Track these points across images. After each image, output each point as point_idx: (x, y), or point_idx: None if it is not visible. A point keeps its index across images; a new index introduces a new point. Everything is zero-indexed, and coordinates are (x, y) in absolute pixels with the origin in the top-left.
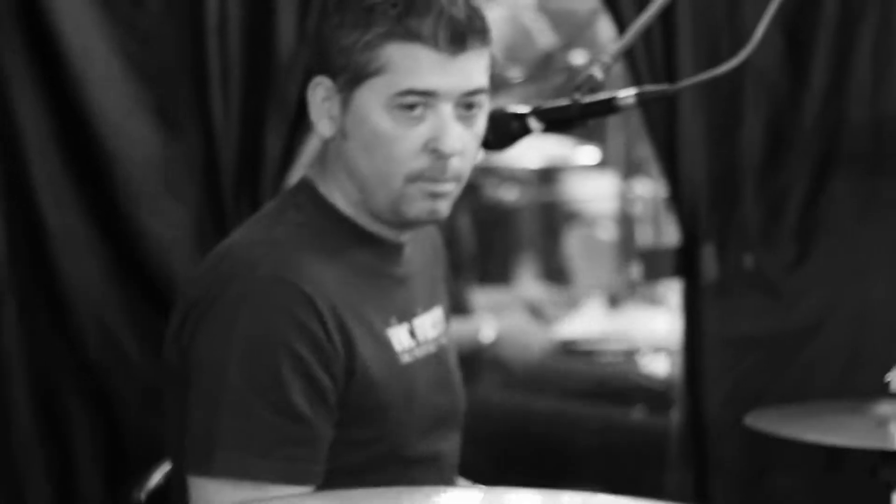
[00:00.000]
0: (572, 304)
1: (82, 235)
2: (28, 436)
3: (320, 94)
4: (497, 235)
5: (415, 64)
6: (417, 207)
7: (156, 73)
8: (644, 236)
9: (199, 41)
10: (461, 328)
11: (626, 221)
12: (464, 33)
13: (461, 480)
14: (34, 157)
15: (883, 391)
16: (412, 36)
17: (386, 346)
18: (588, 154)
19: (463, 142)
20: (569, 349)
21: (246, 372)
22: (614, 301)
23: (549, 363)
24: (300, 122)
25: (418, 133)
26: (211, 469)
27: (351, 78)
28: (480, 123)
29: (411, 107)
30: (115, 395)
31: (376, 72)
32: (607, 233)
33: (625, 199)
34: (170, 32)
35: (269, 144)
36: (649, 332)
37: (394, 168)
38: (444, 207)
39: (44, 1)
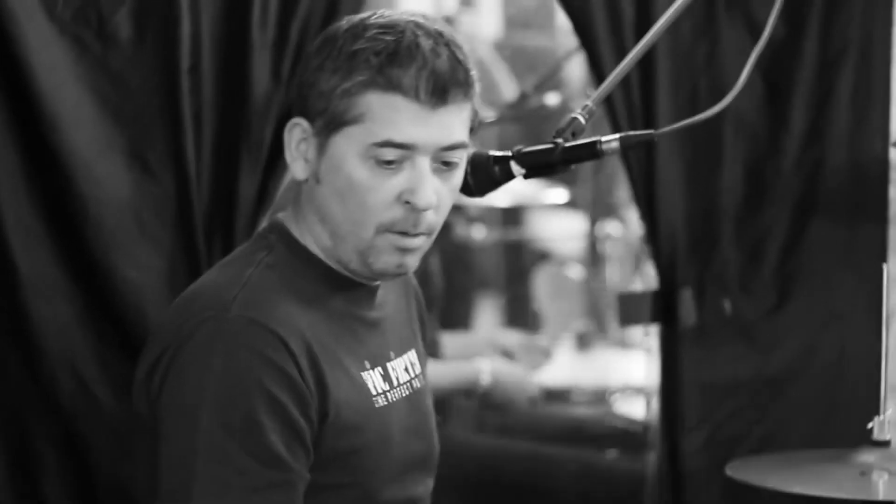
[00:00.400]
0: (546, 355)
1: (54, 279)
2: None
3: (297, 136)
4: (462, 276)
5: (394, 115)
6: (384, 260)
7: (128, 114)
8: (613, 277)
9: (172, 83)
10: (461, 369)
11: (595, 262)
12: (446, 87)
13: None
14: (4, 199)
15: (864, 439)
16: (393, 86)
17: (360, 389)
18: (556, 194)
19: (438, 196)
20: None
21: (220, 416)
22: (583, 342)
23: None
24: (274, 165)
25: (393, 184)
26: None
27: (328, 123)
28: (458, 177)
29: (389, 158)
30: (86, 441)
31: (354, 120)
32: (576, 273)
33: (594, 240)
34: (142, 74)
35: (242, 187)
36: (621, 373)
37: (366, 217)
38: (411, 262)
39: (14, 40)
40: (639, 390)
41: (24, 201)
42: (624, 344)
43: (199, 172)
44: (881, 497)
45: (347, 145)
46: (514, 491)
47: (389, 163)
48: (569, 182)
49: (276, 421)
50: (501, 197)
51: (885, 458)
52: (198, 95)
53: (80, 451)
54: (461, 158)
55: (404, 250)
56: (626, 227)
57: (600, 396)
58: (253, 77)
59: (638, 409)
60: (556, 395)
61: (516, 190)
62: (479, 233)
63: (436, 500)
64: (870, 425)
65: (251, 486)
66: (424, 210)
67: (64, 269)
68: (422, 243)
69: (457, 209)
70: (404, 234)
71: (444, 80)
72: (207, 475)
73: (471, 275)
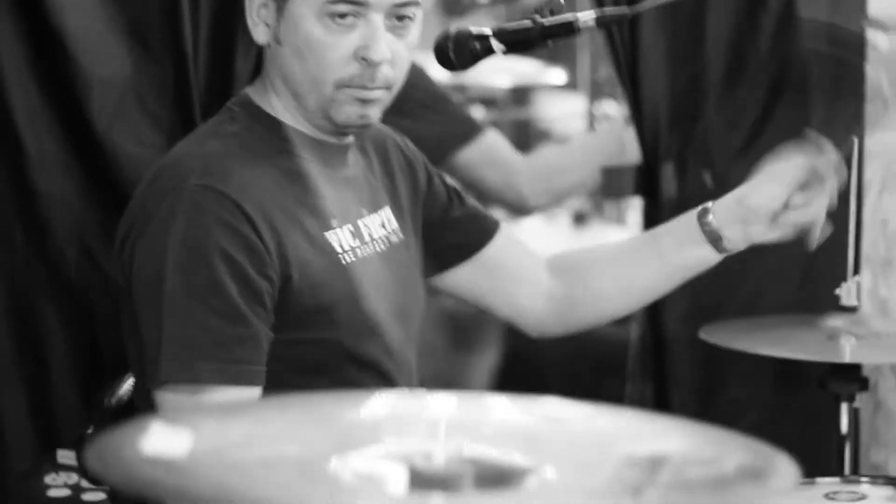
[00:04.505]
0: None
1: (59, 156)
2: (5, 354)
3: (257, 2)
4: None
5: None
6: (346, 113)
7: None
8: None
9: None
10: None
11: None
12: None
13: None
14: (10, 81)
15: (833, 305)
16: None
17: (324, 247)
18: (556, 75)
19: (393, 51)
20: None
21: (183, 279)
22: (579, 219)
23: None
24: None
25: (349, 41)
26: (161, 379)
27: None
28: (413, 34)
29: (342, 15)
30: (92, 311)
31: None
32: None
33: (593, 119)
34: None
35: (238, 67)
36: None
37: (324, 74)
38: (373, 113)
39: None
40: None
41: (29, 81)
42: (619, 221)
43: (197, 51)
44: (847, 360)
45: (304, 5)
46: (501, 356)
47: (343, 17)
48: (569, 62)
49: (236, 280)
50: (504, 78)
51: (852, 323)
52: None
53: (87, 321)
54: (415, 14)
55: (364, 102)
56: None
57: None
58: None
59: None
60: None
61: (517, 71)
62: (477, 113)
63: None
64: (837, 291)
65: (216, 341)
66: (379, 64)
67: (68, 145)
68: (380, 96)
69: (459, 90)
70: (362, 87)
71: None
72: (174, 335)
73: None
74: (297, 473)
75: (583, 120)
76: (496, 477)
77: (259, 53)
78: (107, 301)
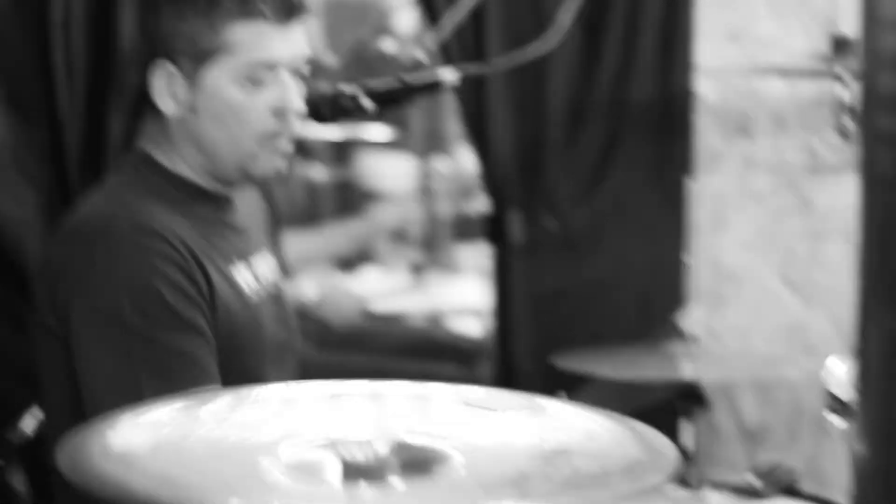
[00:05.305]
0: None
1: None
2: None
3: (163, 77)
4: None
5: (259, 38)
6: (264, 166)
7: (7, 66)
8: (444, 210)
9: (45, 35)
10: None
11: (426, 196)
12: (295, 5)
13: None
14: None
15: (670, 332)
16: (255, 14)
17: (235, 284)
18: (380, 132)
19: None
20: (377, 314)
21: (137, 309)
22: (417, 269)
23: (362, 326)
24: (139, 108)
25: (264, 99)
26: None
27: (198, 58)
28: (303, 87)
29: (258, 77)
30: None
31: (222, 50)
32: (408, 208)
33: (425, 176)
34: (18, 27)
35: (111, 129)
36: (455, 297)
37: (247, 132)
38: (284, 164)
39: None
40: (474, 311)
41: None
42: (457, 270)
43: (72, 117)
44: (687, 377)
45: (220, 73)
46: None
47: (260, 80)
48: (398, 121)
49: (181, 300)
50: (330, 133)
51: (687, 347)
52: (69, 46)
53: None
54: (306, 69)
55: (282, 154)
56: (456, 161)
57: (436, 319)
58: (120, 28)
59: (474, 327)
60: (392, 321)
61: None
62: (318, 172)
63: None
64: (674, 319)
65: (188, 357)
66: (296, 115)
67: None
68: (291, 146)
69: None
70: (279, 138)
71: (294, 1)
72: (148, 361)
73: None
74: (236, 464)
75: (413, 179)
76: (419, 463)
77: (130, 117)
78: None
